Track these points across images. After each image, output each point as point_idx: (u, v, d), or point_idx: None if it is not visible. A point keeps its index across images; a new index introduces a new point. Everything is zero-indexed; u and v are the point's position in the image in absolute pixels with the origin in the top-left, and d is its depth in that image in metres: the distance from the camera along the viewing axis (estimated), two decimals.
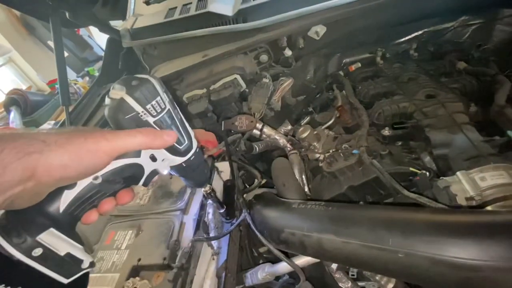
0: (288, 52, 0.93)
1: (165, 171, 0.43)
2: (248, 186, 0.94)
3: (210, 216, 0.69)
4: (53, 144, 0.30)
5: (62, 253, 0.34)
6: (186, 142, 0.42)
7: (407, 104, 0.84)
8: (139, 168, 0.39)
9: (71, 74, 3.47)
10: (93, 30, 3.85)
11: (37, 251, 0.32)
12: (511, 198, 0.56)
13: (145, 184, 0.41)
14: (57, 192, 0.34)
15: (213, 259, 0.65)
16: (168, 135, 0.38)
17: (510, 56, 1.06)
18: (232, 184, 0.80)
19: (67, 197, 0.34)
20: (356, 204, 0.54)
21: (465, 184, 0.60)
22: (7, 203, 0.29)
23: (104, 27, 1.18)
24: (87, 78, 3.31)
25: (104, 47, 1.30)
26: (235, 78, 0.91)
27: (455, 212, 0.43)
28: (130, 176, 0.38)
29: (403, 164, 0.75)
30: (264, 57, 0.94)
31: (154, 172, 0.41)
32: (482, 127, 0.74)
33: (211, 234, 0.67)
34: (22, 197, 0.30)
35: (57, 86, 1.15)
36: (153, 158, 0.40)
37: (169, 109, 0.39)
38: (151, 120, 0.37)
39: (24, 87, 3.61)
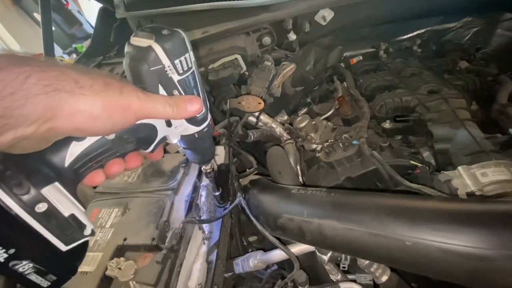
0: (292, 36, 0.90)
1: (174, 140, 0.39)
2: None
3: (203, 199, 0.66)
4: (87, 88, 0.25)
5: (66, 214, 0.29)
6: (203, 110, 0.38)
7: (410, 98, 0.83)
8: (153, 130, 0.35)
9: (57, 50, 3.28)
10: (83, 6, 3.66)
11: (41, 207, 0.27)
12: None
13: (152, 151, 0.37)
14: (64, 142, 0.29)
15: (204, 243, 0.62)
16: (193, 105, 0.34)
17: (508, 60, 1.07)
18: (227, 168, 0.76)
19: (75, 149, 0.29)
20: (359, 191, 0.52)
21: (466, 179, 0.59)
22: (12, 143, 0.23)
23: None
24: (74, 56, 3.14)
25: (94, 24, 1.21)
26: (236, 58, 0.86)
27: (466, 200, 0.42)
28: (143, 137, 0.34)
29: (402, 157, 0.74)
30: (267, 40, 0.90)
31: (164, 139, 0.38)
32: (482, 126, 0.74)
33: (203, 218, 0.63)
34: (29, 139, 0.24)
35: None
36: (168, 123, 0.36)
37: (193, 70, 0.35)
38: (176, 78, 0.33)
39: None
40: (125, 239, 0.51)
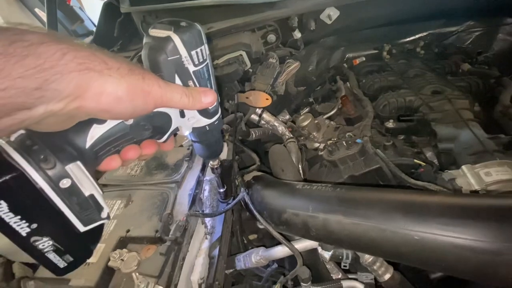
0: (297, 34, 0.90)
1: (186, 132, 0.41)
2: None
3: (206, 193, 0.65)
4: (115, 70, 0.26)
5: (86, 193, 0.29)
6: (216, 103, 0.40)
7: (414, 98, 0.83)
8: (168, 119, 0.36)
9: None
10: (85, 2, 3.65)
11: (65, 182, 0.27)
12: None
13: (165, 141, 0.38)
14: (86, 124, 0.29)
15: (206, 238, 0.61)
16: (208, 97, 0.36)
17: (509, 64, 1.08)
18: (230, 164, 0.76)
19: (96, 132, 0.30)
20: (365, 187, 0.51)
21: (470, 178, 0.59)
22: (41, 118, 0.24)
23: None
24: None
25: (96, 21, 1.21)
26: (241, 55, 0.86)
27: (474, 195, 0.42)
28: (158, 126, 0.35)
29: (406, 156, 0.74)
30: (272, 37, 0.90)
31: (176, 130, 0.39)
32: (485, 127, 0.74)
33: (206, 212, 0.63)
34: (56, 116, 0.25)
35: None
36: (182, 114, 0.37)
37: (208, 63, 0.36)
38: (191, 68, 0.34)
39: None
40: (128, 231, 0.51)
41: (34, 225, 0.26)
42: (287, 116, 1.17)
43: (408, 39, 1.24)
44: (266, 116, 1.02)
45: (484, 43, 1.17)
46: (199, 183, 0.63)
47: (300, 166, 0.93)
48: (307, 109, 1.17)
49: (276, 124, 1.03)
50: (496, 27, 1.13)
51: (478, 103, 0.84)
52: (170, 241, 0.48)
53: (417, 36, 1.24)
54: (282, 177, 0.80)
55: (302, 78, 1.15)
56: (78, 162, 0.29)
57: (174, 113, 0.36)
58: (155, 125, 0.34)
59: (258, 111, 0.99)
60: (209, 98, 0.36)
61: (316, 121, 0.95)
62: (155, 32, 0.33)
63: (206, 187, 0.65)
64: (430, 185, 0.55)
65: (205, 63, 0.36)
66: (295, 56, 1.00)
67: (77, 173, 0.28)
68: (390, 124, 0.83)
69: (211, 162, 0.54)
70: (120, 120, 0.31)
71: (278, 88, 0.95)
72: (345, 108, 0.98)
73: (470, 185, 0.58)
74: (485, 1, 0.96)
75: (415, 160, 0.69)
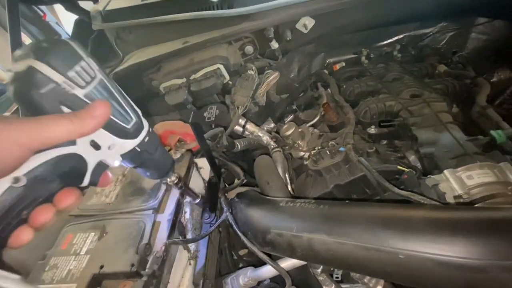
0: (274, 45, 0.89)
1: (115, 162, 0.34)
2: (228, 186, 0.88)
3: (187, 216, 0.62)
4: None
5: None
6: (134, 119, 0.34)
7: (393, 103, 0.83)
8: (79, 160, 0.29)
9: None
10: (62, 17, 3.56)
11: None
12: (498, 196, 0.55)
13: (93, 183, 0.32)
14: None
15: (190, 264, 0.58)
16: (97, 109, 0.29)
17: (483, 62, 1.11)
18: (215, 181, 0.74)
19: None
20: (349, 202, 0.50)
21: (453, 183, 0.59)
22: None
23: (71, 6, 1.06)
24: None
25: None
26: (218, 68, 0.85)
27: (458, 209, 0.41)
28: (68, 171, 0.29)
29: (389, 162, 0.73)
30: (249, 49, 0.89)
31: (102, 165, 0.32)
32: (464, 128, 0.75)
33: (188, 236, 0.60)
34: None
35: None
36: (95, 146, 0.31)
37: (101, 78, 0.30)
38: (79, 92, 0.28)
39: None
40: (101, 267, 0.47)
41: None
42: (272, 125, 1.15)
43: (385, 42, 1.26)
44: (250, 126, 1.00)
45: (458, 43, 1.20)
46: (179, 206, 0.61)
47: (287, 175, 0.91)
48: (291, 116, 1.16)
49: (261, 135, 1.01)
50: (468, 27, 1.16)
51: (456, 104, 0.85)
52: (147, 276, 0.45)
53: (394, 38, 1.26)
54: (268, 190, 0.78)
55: (284, 85, 1.15)
56: None
57: (83, 150, 0.30)
58: (62, 172, 0.28)
59: (242, 122, 0.98)
60: (100, 109, 0.29)
61: (300, 130, 0.95)
62: (15, 66, 0.26)
63: (187, 209, 0.62)
64: (413, 195, 0.54)
65: (96, 80, 0.30)
66: (274, 66, 0.99)
67: None
68: (372, 130, 0.83)
69: (168, 179, 0.48)
70: (6, 186, 0.25)
71: (259, 99, 0.94)
72: (328, 116, 0.98)
73: (453, 190, 0.58)
74: (457, 3, 0.99)
75: (399, 167, 0.69)
